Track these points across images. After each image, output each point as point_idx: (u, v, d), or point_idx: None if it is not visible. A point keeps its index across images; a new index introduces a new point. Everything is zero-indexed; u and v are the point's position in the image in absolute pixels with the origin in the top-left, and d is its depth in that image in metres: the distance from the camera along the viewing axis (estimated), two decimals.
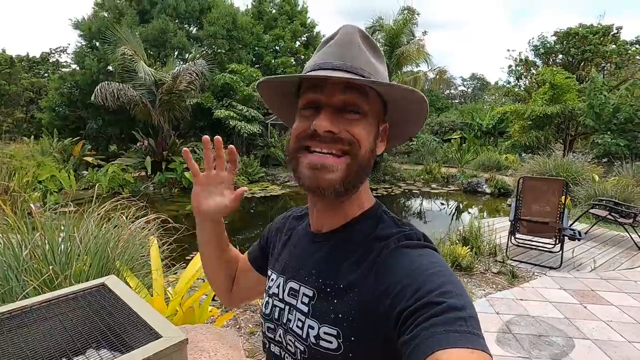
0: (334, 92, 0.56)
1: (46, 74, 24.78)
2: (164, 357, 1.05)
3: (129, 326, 1.29)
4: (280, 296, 0.66)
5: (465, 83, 45.54)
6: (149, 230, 3.19)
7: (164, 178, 11.09)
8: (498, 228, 5.42)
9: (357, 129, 0.57)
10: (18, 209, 2.96)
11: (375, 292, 0.53)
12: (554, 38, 20.39)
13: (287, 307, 0.64)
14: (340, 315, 0.55)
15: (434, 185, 12.96)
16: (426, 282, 0.48)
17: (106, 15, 15.43)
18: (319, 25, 23.81)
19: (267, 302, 0.69)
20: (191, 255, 4.59)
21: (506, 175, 12.21)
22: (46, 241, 2.23)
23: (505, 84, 25.24)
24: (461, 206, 10.92)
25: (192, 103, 13.13)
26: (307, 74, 0.57)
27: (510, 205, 9.14)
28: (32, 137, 14.24)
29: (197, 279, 2.91)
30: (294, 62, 18.52)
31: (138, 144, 12.18)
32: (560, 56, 20.55)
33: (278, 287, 0.68)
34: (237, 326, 3.16)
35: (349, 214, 0.63)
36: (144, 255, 2.85)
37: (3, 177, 6.08)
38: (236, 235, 7.58)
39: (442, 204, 11.15)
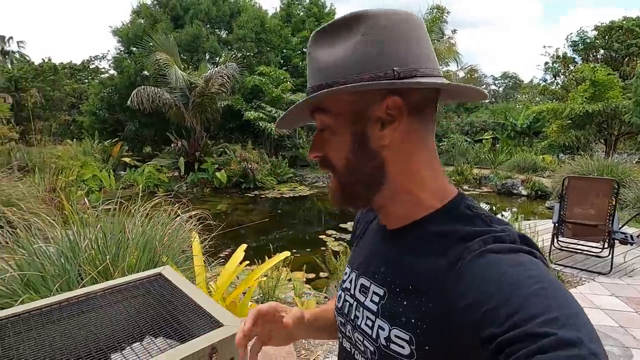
0: (311, 116, 0.59)
1: (86, 80, 26.14)
2: (227, 345, 1.06)
3: (189, 313, 1.32)
4: (352, 291, 0.64)
5: (496, 82, 44.08)
6: (189, 226, 3.29)
7: (197, 178, 11.42)
8: (540, 230, 5.18)
9: (328, 146, 0.56)
10: (71, 205, 3.13)
11: (455, 305, 0.45)
12: (595, 33, 19.33)
13: (355, 304, 0.62)
14: (412, 320, 0.50)
15: (465, 187, 12.59)
16: (524, 304, 0.39)
17: (142, 22, 16.13)
18: None
19: (340, 296, 0.68)
20: (226, 252, 4.69)
21: (543, 177, 11.68)
22: (100, 235, 2.34)
23: (540, 81, 24.21)
24: (495, 208, 10.54)
25: (223, 105, 13.47)
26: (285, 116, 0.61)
27: (550, 208, 8.77)
28: (75, 139, 15.07)
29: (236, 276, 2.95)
30: None
31: (172, 145, 12.61)
32: (602, 52, 19.45)
33: (350, 282, 0.66)
34: None
35: (410, 214, 0.56)
36: (185, 251, 2.93)
37: (52, 176, 6.45)
38: (265, 235, 7.67)
39: None
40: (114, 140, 13.89)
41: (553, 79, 21.35)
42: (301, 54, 18.35)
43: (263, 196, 11.26)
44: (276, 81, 14.38)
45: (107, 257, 2.12)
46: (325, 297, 3.95)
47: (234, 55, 15.59)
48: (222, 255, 4.12)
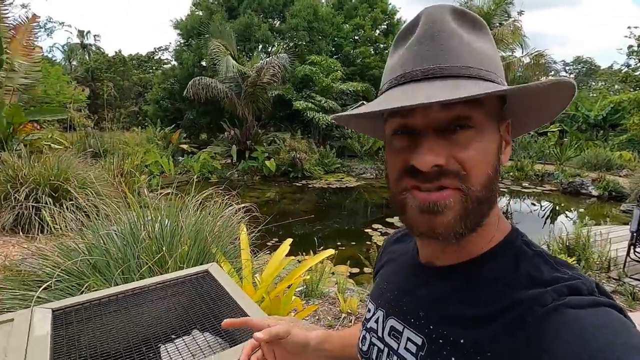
0: (432, 109, 0.42)
1: (151, 70, 28.07)
2: None
3: (230, 314, 1.35)
4: (379, 334, 0.56)
5: (567, 68, 39.96)
6: (238, 218, 3.40)
7: (247, 166, 11.83)
8: (614, 238, 4.64)
9: (470, 151, 0.42)
10: (132, 190, 3.38)
11: None
12: None
13: (386, 350, 0.54)
14: None
15: (525, 184, 11.68)
16: None
17: (200, 14, 16.83)
18: (400, 11, 22.86)
19: (364, 338, 0.59)
20: (273, 241, 4.81)
21: (619, 176, 10.45)
22: (157, 223, 2.49)
23: (622, 67, 21.49)
24: (558, 208, 9.66)
25: (273, 95, 13.72)
26: (386, 107, 0.42)
27: (626, 212, 7.82)
28: (140, 127, 16.31)
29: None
30: (372, 52, 18.11)
31: (225, 134, 13.15)
32: None
33: (377, 321, 0.57)
34: (317, 317, 3.20)
35: (474, 248, 0.47)
36: (233, 242, 3.03)
37: (119, 161, 7.03)
38: (310, 225, 7.76)
39: (534, 204, 9.99)
40: (173, 128, 14.82)
41: (638, 63, 18.84)
42: (353, 42, 18.01)
43: (310, 186, 11.38)
44: (327, 70, 14.30)
45: (163, 246, 2.25)
46: (369, 295, 3.89)
47: (286, 45, 15.74)
48: (269, 244, 4.23)
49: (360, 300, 3.49)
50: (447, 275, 0.49)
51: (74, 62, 28.11)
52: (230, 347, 1.34)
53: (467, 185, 0.42)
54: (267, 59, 12.17)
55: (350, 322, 3.13)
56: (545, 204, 10.07)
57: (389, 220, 7.61)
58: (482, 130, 0.43)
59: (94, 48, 30.36)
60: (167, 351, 1.38)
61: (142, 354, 1.25)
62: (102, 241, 2.45)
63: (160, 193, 3.51)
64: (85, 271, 2.23)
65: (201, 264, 1.65)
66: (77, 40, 29.96)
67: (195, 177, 3.60)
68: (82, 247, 2.45)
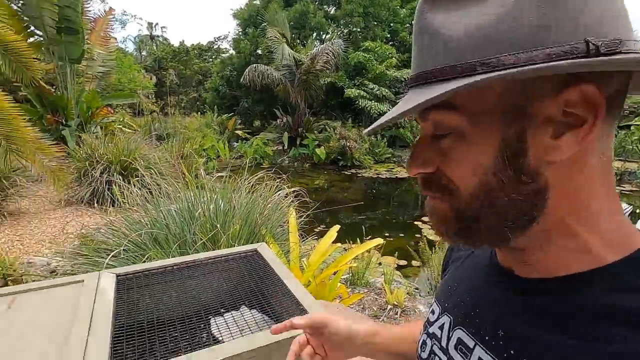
0: (419, 115, 0.41)
1: (210, 60, 29.40)
2: None
3: (278, 294, 1.36)
4: (443, 343, 0.48)
5: None
6: (287, 202, 3.44)
7: (298, 153, 12.00)
8: None
9: (448, 159, 0.38)
10: (190, 171, 3.57)
11: None
12: None
13: None
14: None
15: None
16: None
17: (258, 2, 17.17)
18: None
19: (425, 343, 0.52)
20: (320, 227, 4.83)
21: None
22: (212, 203, 2.60)
23: None
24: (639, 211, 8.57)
25: (325, 82, 13.69)
26: (377, 124, 0.41)
27: None
28: (199, 112, 17.24)
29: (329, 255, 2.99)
30: None
31: (278, 121, 13.43)
32: None
33: (441, 328, 0.50)
34: (362, 306, 3.17)
35: (576, 259, 0.37)
36: (282, 225, 3.08)
37: (180, 144, 7.48)
38: (357, 214, 7.69)
39: None
40: (230, 115, 15.44)
41: None
42: (410, 27, 17.28)
43: (359, 175, 11.26)
44: (381, 57, 13.90)
45: (217, 225, 2.34)
46: (416, 289, 3.77)
47: (340, 32, 15.55)
48: (316, 230, 4.27)
49: (408, 294, 3.39)
50: (533, 289, 0.40)
51: (144, 53, 30.39)
52: None
53: (452, 197, 0.39)
54: (321, 46, 12.14)
55: (397, 314, 3.05)
56: (625, 206, 8.98)
57: None
58: (464, 137, 0.37)
59: (161, 39, 32.55)
60: (217, 324, 1.42)
61: (193, 324, 1.31)
62: (162, 216, 2.61)
63: (216, 176, 3.66)
64: (148, 243, 2.40)
65: (251, 244, 1.68)
66: (146, 32, 32.32)
67: (248, 162, 3.70)
68: (146, 220, 2.63)
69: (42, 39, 7.18)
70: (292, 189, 3.38)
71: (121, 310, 1.18)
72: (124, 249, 2.39)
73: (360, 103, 12.67)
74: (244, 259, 1.56)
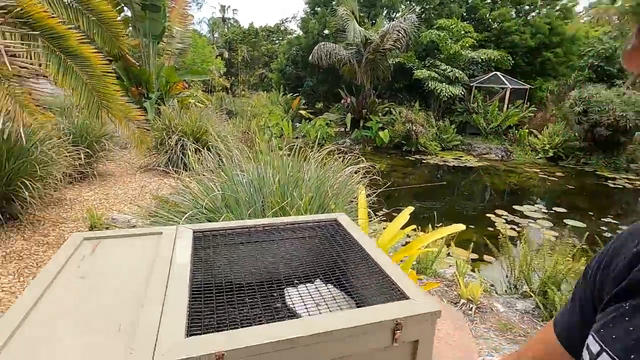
0: None
1: (277, 41, 29.81)
2: (414, 324, 0.86)
3: (361, 270, 1.19)
4: None
5: None
6: (357, 178, 3.27)
7: (360, 135, 11.71)
8: None
9: None
10: (258, 145, 3.53)
11: None
12: None
13: None
14: None
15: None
16: None
17: None
18: None
19: None
20: (383, 211, 4.60)
21: None
22: (282, 174, 2.51)
23: None
24: None
25: (394, 62, 13.06)
26: None
27: None
28: (265, 91, 17.64)
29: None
30: (514, 14, 15.50)
31: (342, 101, 13.19)
32: None
33: None
34: (432, 295, 2.93)
35: None
36: (351, 201, 2.92)
37: (247, 120, 7.64)
38: (420, 202, 7.27)
39: None
40: (295, 95, 15.55)
41: None
42: (490, 3, 15.70)
43: (424, 161, 10.68)
44: (456, 36, 12.85)
45: (287, 195, 2.24)
46: (492, 285, 3.41)
47: (412, 9, 14.64)
48: (378, 213, 4.06)
49: (484, 290, 3.06)
50: None
51: (216, 35, 31.75)
52: (357, 306, 1.19)
53: None
54: (392, 23, 11.53)
55: (470, 309, 2.76)
56: None
57: (516, 207, 6.60)
58: None
59: (232, 21, 33.70)
60: (290, 295, 1.31)
61: (265, 292, 1.20)
62: (234, 183, 2.59)
63: (281, 153, 3.58)
64: (220, 207, 2.39)
65: (329, 213, 1.53)
66: (219, 15, 33.64)
67: (310, 141, 3.57)
68: (218, 186, 2.64)
69: (129, 15, 7.69)
70: (363, 165, 3.19)
71: (198, 267, 1.10)
72: (198, 212, 2.42)
73: (430, 85, 11.90)
74: (322, 228, 1.42)
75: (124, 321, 0.79)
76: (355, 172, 3.30)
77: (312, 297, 1.22)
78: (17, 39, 3.00)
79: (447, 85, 11.84)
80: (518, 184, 9.07)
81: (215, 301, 1.00)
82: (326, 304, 1.19)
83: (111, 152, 5.69)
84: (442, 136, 11.91)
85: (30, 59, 3.14)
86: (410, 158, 10.95)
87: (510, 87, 12.85)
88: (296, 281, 1.32)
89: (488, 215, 6.18)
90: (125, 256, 1.09)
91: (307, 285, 1.32)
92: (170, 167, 5.39)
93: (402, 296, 0.94)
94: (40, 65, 3.30)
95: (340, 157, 3.36)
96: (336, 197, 2.70)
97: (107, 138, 5.53)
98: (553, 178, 9.32)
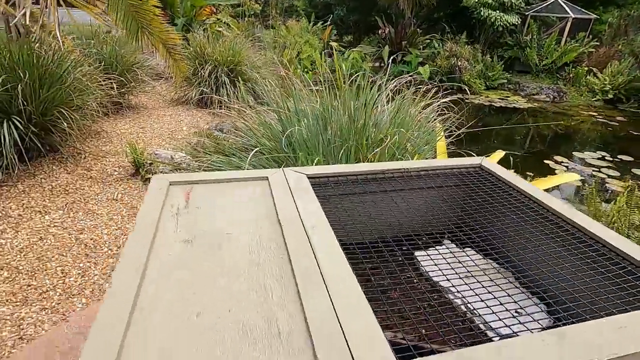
0: None
1: None
2: None
3: (527, 225, 0.86)
4: None
5: None
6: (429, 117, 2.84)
7: (397, 70, 10.78)
8: None
9: None
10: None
11: None
12: None
13: None
14: None
15: None
16: None
17: None
18: None
19: None
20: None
21: None
22: (348, 110, 2.12)
23: None
24: None
25: None
26: None
27: None
28: (295, 18, 16.34)
29: None
30: None
31: (379, 32, 12.01)
32: None
33: None
34: None
35: None
36: (428, 142, 2.53)
37: (279, 50, 7.00)
38: (464, 146, 6.75)
39: None
40: (325, 24, 14.29)
41: None
42: None
43: (467, 100, 9.84)
44: None
45: (364, 131, 1.87)
46: None
47: None
48: None
49: None
50: None
51: None
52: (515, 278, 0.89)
53: None
54: None
55: None
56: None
57: (577, 154, 6.02)
58: None
59: None
60: (421, 260, 1.01)
61: (395, 254, 0.90)
62: (298, 117, 2.22)
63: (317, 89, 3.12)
64: (284, 147, 2.06)
65: (472, 157, 1.17)
66: None
67: (342, 78, 3.04)
68: (275, 123, 2.29)
69: None
70: (443, 100, 2.75)
71: (336, 228, 0.79)
72: (259, 151, 2.10)
73: (481, 13, 10.52)
74: (465, 175, 1.07)
75: (282, 321, 0.50)
76: (426, 107, 2.88)
77: (449, 265, 0.91)
78: None
79: (501, 13, 10.45)
80: (575, 128, 8.28)
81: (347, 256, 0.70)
82: (470, 273, 0.89)
83: (144, 82, 5.32)
84: (487, 73, 10.83)
85: None
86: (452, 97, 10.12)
87: (573, 16, 11.24)
88: (425, 240, 1.02)
89: (546, 161, 5.66)
90: (233, 210, 0.78)
91: (437, 248, 1.02)
92: (203, 101, 5.04)
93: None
94: None
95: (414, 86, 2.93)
96: (415, 138, 2.32)
97: (138, 67, 5.14)
98: (614, 123, 8.44)
